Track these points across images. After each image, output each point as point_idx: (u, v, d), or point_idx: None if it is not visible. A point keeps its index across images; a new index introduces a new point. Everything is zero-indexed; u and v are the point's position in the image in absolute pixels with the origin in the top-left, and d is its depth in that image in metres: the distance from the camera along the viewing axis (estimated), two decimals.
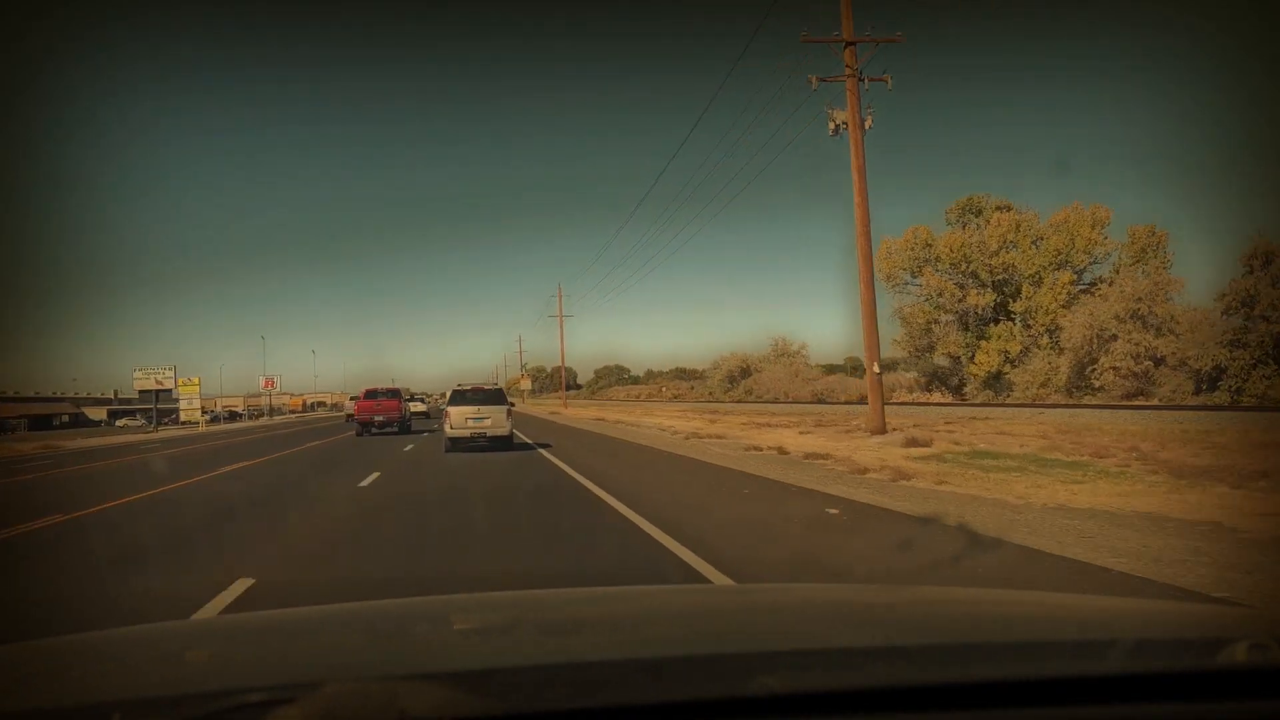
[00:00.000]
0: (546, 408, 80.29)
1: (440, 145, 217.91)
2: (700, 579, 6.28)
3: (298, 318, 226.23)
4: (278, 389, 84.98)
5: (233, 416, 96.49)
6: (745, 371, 75.40)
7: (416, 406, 47.56)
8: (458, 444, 20.89)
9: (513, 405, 22.45)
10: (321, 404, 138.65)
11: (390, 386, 34.81)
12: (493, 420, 20.93)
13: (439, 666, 1.54)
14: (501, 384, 29.12)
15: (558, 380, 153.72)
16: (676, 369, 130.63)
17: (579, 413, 56.46)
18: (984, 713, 1.23)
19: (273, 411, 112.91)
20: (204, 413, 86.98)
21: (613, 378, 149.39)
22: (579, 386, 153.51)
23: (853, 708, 1.22)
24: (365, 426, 32.43)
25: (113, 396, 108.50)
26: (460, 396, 21.63)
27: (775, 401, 59.17)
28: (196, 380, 67.13)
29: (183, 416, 68.04)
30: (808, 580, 6.06)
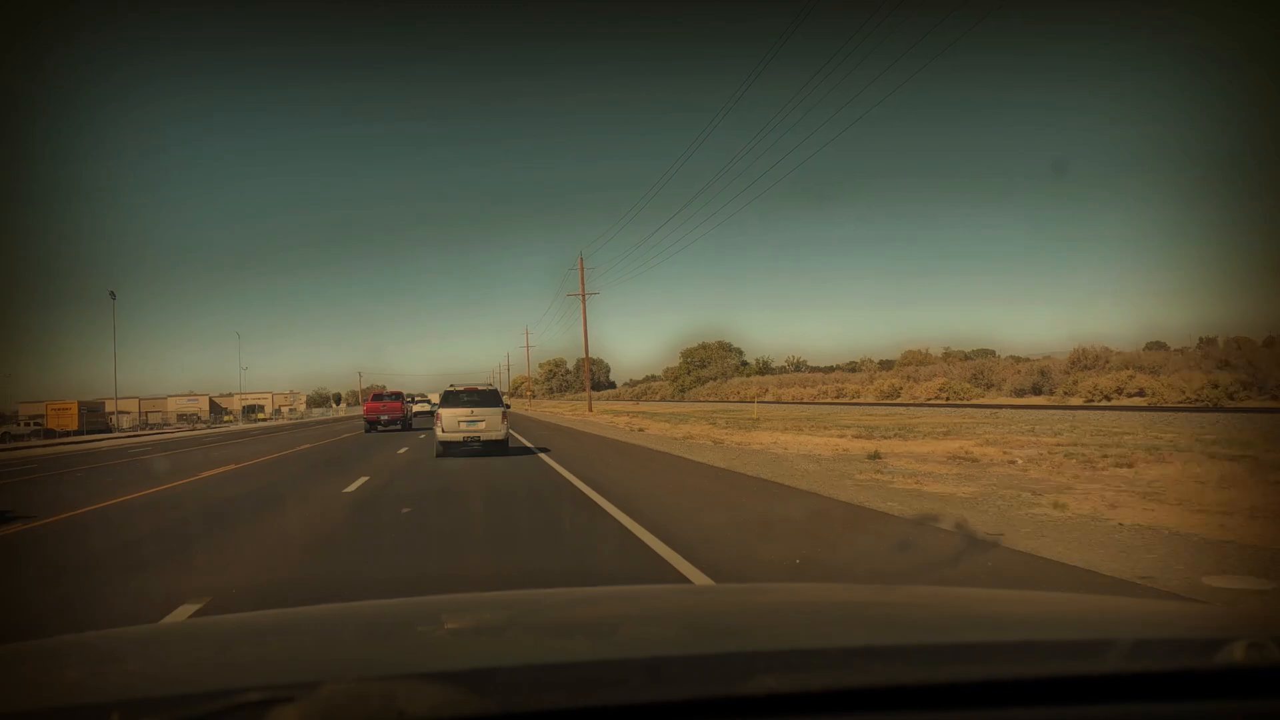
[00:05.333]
0: (653, 427, 31.99)
1: (438, 146, 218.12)
2: None
3: (287, 317, 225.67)
4: None
5: None
6: None
7: (420, 407, 50.20)
8: (450, 448, 20.27)
9: (508, 407, 21.84)
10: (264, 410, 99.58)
11: (394, 390, 41.34)
12: (487, 423, 20.27)
13: (437, 666, 1.54)
14: (501, 385, 29.02)
15: (580, 378, 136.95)
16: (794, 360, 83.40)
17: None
18: (982, 712, 1.23)
19: None
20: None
21: (713, 367, 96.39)
22: (610, 385, 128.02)
23: (852, 707, 1.22)
24: (372, 424, 38.37)
25: None
26: (453, 398, 20.81)
27: None
28: None
29: None
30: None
